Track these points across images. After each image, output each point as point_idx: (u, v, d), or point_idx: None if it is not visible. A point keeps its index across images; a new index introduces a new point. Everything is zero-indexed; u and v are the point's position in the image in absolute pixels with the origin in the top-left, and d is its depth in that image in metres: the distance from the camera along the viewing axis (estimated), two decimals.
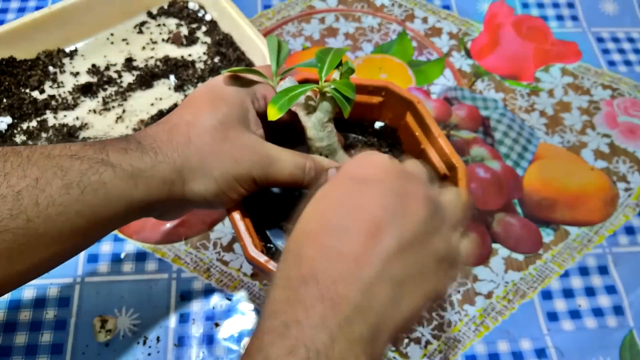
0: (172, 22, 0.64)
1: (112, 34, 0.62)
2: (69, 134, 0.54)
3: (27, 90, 0.57)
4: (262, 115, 0.37)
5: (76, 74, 0.59)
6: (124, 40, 0.62)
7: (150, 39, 0.62)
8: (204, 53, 0.61)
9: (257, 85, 0.37)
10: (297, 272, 0.26)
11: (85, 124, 0.55)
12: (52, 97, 0.57)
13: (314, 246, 0.26)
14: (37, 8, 0.66)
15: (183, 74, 0.59)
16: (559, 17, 0.70)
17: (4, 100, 0.56)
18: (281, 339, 0.24)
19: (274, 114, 0.34)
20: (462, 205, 0.32)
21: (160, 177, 0.33)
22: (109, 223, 0.32)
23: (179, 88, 0.58)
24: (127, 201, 0.32)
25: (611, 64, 0.66)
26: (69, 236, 0.30)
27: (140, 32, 0.63)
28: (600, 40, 0.68)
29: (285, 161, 0.35)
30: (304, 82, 0.42)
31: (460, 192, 0.33)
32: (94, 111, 0.56)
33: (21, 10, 0.67)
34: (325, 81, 0.36)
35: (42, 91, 0.57)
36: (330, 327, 0.24)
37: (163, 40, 0.62)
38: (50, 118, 0.56)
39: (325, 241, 0.26)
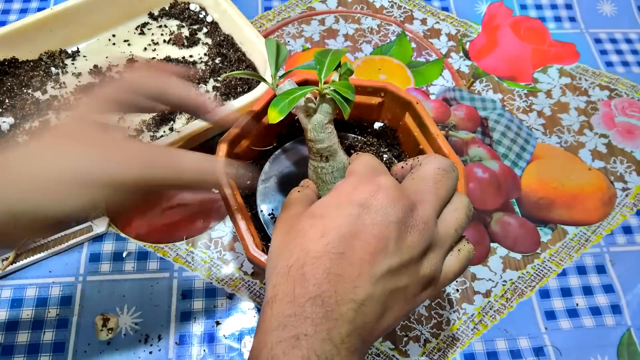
0: (173, 24, 0.64)
1: (113, 35, 0.63)
2: None
3: (30, 91, 0.58)
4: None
5: (78, 75, 0.59)
6: (125, 41, 0.62)
7: (152, 40, 0.63)
8: (205, 54, 0.62)
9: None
10: (304, 291, 0.28)
11: None
12: (55, 97, 0.57)
13: (317, 269, 0.29)
14: (40, 9, 0.67)
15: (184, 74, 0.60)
16: (557, 19, 0.70)
17: (7, 100, 0.56)
18: (293, 349, 0.27)
19: (274, 117, 0.34)
20: (466, 217, 0.33)
21: None
22: None
23: None
24: None
25: (609, 64, 0.66)
26: None
27: (142, 33, 0.63)
28: (598, 41, 0.69)
29: None
30: (304, 83, 0.43)
31: (465, 201, 0.34)
32: None
33: (23, 12, 0.67)
34: (324, 83, 0.36)
35: (44, 92, 0.58)
36: (335, 341, 0.27)
37: (164, 41, 0.63)
38: (52, 118, 0.56)
39: (327, 265, 0.29)
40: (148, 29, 0.64)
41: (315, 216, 0.31)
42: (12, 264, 0.48)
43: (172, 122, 0.56)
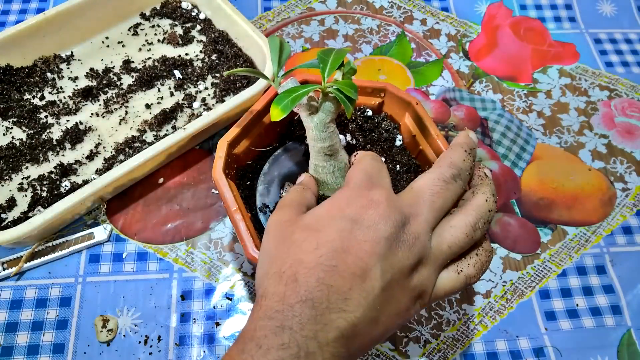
0: (166, 23, 0.64)
1: (107, 37, 0.62)
2: (76, 137, 0.54)
3: (27, 97, 0.57)
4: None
5: (75, 79, 0.59)
6: (119, 42, 0.62)
7: (146, 40, 0.63)
8: (201, 51, 0.62)
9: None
10: (294, 294, 0.29)
11: (89, 127, 0.56)
12: (53, 102, 0.57)
13: (310, 277, 0.29)
14: (39, 10, 0.67)
15: (182, 72, 0.59)
16: (557, 19, 0.70)
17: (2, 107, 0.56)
18: (274, 336, 0.27)
19: (277, 115, 0.34)
20: (464, 236, 0.32)
21: None
22: None
23: (179, 87, 0.59)
24: None
25: (608, 65, 0.66)
26: None
27: (135, 33, 0.63)
28: (597, 41, 0.69)
29: None
30: (304, 83, 0.43)
31: (468, 220, 0.33)
32: (97, 114, 0.57)
33: (23, 12, 0.67)
34: (327, 82, 0.36)
35: (42, 98, 0.57)
36: (320, 341, 0.28)
37: (159, 40, 0.63)
38: (54, 124, 0.56)
39: (320, 275, 0.29)
40: (141, 29, 0.64)
41: (310, 229, 0.31)
42: (27, 262, 0.48)
43: (174, 121, 0.56)
